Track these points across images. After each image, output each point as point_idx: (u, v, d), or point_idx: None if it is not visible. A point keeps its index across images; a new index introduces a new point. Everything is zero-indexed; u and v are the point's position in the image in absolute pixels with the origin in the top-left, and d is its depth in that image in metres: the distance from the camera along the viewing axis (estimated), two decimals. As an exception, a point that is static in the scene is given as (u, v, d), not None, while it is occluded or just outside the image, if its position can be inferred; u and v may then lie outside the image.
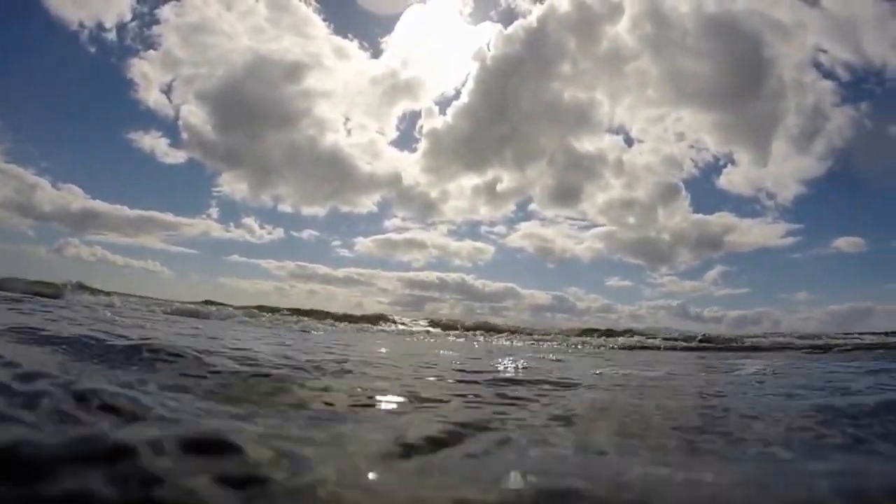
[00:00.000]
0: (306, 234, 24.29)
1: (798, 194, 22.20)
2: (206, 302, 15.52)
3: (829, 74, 20.88)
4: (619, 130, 23.59)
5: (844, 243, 21.36)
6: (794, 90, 21.43)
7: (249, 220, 23.42)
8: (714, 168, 23.24)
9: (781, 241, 22.14)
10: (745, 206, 25.11)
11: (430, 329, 14.99)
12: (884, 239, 22.17)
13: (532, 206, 24.50)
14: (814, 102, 21.29)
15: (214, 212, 23.49)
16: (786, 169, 23.07)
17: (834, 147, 21.11)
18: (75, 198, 21.97)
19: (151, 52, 22.37)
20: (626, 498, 0.97)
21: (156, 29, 22.38)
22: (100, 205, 22.52)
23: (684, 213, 23.32)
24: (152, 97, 22.45)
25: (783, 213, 22.53)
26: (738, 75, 21.85)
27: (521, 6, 25.16)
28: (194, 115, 22.67)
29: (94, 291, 12.58)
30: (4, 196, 21.04)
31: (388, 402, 2.23)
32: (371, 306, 22.81)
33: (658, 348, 10.92)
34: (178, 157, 22.65)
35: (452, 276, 23.69)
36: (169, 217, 22.95)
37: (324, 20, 23.58)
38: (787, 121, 21.73)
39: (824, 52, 20.51)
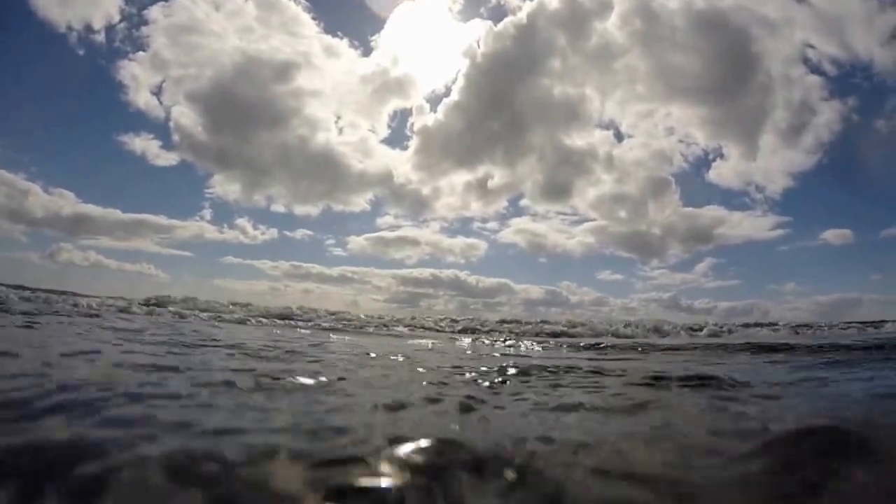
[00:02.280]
0: (300, 233, 24.33)
1: (786, 187, 22.50)
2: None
3: (816, 69, 21.13)
4: (609, 125, 23.74)
5: (832, 235, 21.68)
6: (782, 85, 21.65)
7: (243, 221, 23.49)
8: (703, 162, 23.46)
9: (770, 234, 22.46)
10: (735, 199, 25.32)
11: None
12: (871, 231, 22.51)
13: (523, 202, 24.67)
14: (801, 97, 21.54)
15: (207, 213, 23.50)
16: (774, 162, 23.26)
17: (822, 141, 21.39)
18: (67, 202, 21.96)
19: (140, 53, 22.35)
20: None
21: (144, 30, 22.37)
22: (92, 209, 22.50)
23: (674, 206, 23.55)
24: (142, 99, 22.44)
25: (772, 206, 22.79)
26: (726, 70, 22.04)
27: (510, 3, 25.22)
28: (185, 116, 22.68)
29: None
30: (-5, 202, 20.98)
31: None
32: (366, 304, 22.89)
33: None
34: (169, 158, 22.66)
35: (446, 273, 23.81)
36: (162, 220, 22.96)
37: (313, 19, 23.61)
38: (775, 115, 21.98)
39: (812, 47, 20.71)
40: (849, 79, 22.68)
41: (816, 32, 21.49)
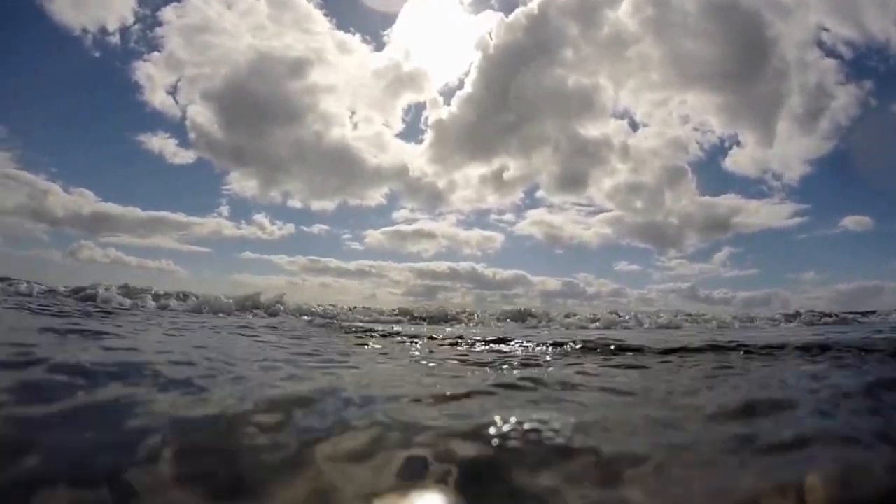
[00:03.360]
0: (317, 228, 24.48)
1: (804, 174, 22.04)
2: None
3: (831, 53, 20.56)
4: (623, 115, 23.46)
5: (851, 222, 21.22)
6: (797, 69, 21.17)
7: (260, 217, 23.63)
8: (719, 150, 23.09)
9: (789, 222, 22.06)
10: (752, 187, 24.83)
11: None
12: (891, 217, 22.07)
13: (539, 193, 24.54)
14: (817, 81, 21.00)
15: (225, 210, 23.72)
16: (791, 149, 22.81)
17: (839, 126, 20.87)
18: (87, 201, 22.21)
19: (155, 53, 22.45)
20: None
21: (158, 31, 22.43)
22: (112, 207, 22.78)
23: (691, 195, 23.25)
24: (158, 99, 22.60)
25: (790, 194, 22.38)
26: (740, 56, 21.61)
27: (520, -7, 25.05)
28: (201, 114, 22.81)
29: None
30: (17, 202, 21.32)
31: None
32: (384, 298, 23.09)
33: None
34: (186, 157, 22.86)
35: (463, 266, 23.79)
36: (180, 217, 23.18)
37: (325, 15, 23.53)
38: (791, 100, 21.52)
39: (826, 30, 20.21)
40: (865, 61, 22.08)
41: (830, 14, 20.97)
